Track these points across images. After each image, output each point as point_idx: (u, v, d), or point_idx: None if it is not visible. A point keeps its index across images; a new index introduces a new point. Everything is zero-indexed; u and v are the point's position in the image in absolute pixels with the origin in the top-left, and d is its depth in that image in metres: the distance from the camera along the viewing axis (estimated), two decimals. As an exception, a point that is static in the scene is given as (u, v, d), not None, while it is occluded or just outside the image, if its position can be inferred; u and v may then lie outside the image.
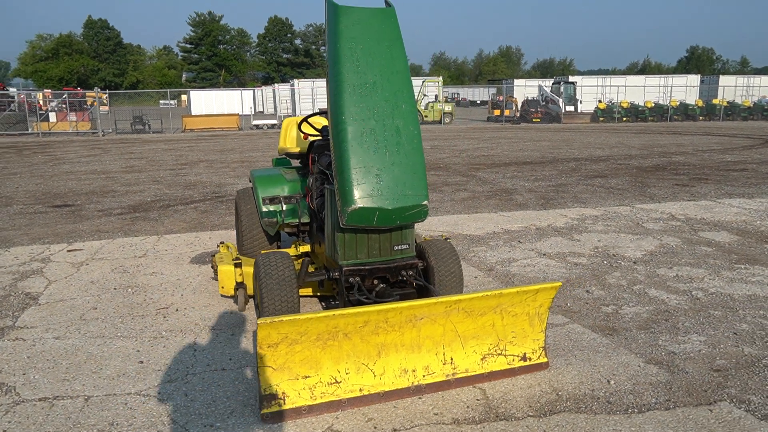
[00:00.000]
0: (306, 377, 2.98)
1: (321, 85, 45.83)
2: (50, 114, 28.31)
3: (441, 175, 11.95)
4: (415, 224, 3.78)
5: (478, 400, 3.10)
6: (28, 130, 26.86)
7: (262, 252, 4.02)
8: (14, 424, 2.89)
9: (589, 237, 6.53)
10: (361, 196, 3.33)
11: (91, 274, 5.33)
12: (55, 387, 3.26)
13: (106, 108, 47.58)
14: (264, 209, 4.80)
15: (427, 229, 6.94)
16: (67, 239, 6.77)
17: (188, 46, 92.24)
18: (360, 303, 3.54)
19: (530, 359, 3.40)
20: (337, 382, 3.03)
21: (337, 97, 3.41)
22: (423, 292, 3.88)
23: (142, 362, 3.55)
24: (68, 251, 6.18)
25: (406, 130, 3.47)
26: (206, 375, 3.38)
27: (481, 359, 3.31)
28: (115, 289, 4.92)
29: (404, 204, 3.40)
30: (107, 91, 46.86)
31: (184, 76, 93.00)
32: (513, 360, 3.37)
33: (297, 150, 5.34)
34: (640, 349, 3.69)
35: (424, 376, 3.18)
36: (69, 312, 4.39)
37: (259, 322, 2.74)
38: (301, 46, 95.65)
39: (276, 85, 57.73)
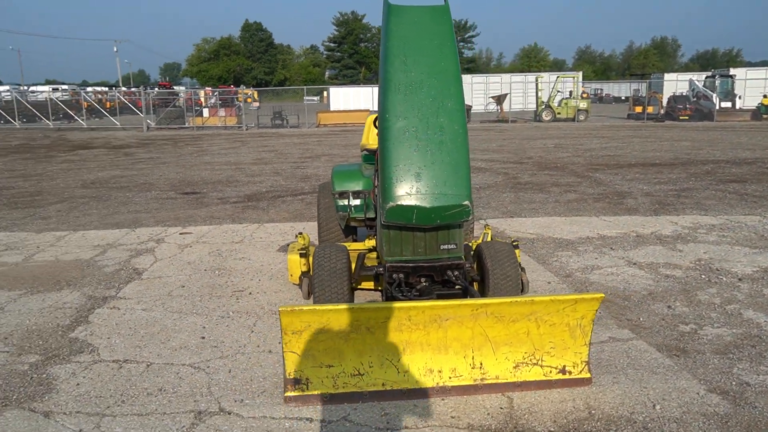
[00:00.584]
0: (330, 366, 3.10)
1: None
2: (204, 110, 31.37)
3: (554, 175, 11.44)
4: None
5: (501, 408, 3.01)
6: (185, 124, 29.98)
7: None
8: (87, 379, 3.35)
9: (694, 248, 5.92)
10: (399, 194, 3.37)
11: (190, 256, 5.91)
12: (128, 352, 3.70)
13: (257, 104, 51.64)
14: (338, 203, 5.00)
15: (516, 230, 6.74)
16: (183, 223, 7.54)
17: (332, 45, 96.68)
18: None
19: (570, 373, 3.22)
20: (360, 374, 3.11)
21: (383, 94, 3.48)
22: (480, 294, 3.82)
23: (203, 338, 3.90)
24: (180, 234, 6.89)
25: (451, 128, 3.44)
26: (253, 355, 3.64)
27: (514, 367, 3.20)
28: (205, 270, 5.42)
29: (444, 203, 3.38)
30: (253, 88, 50.66)
31: (327, 73, 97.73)
32: (550, 372, 3.21)
33: (375, 147, 5.46)
34: (707, 376, 3.32)
35: (450, 378, 3.16)
36: (161, 288, 4.93)
37: (280, 309, 2.90)
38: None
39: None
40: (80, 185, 11.10)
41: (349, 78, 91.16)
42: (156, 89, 43.64)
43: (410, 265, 3.67)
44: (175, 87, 57.78)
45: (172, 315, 4.31)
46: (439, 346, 3.14)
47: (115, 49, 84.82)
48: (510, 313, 3.08)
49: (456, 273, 3.70)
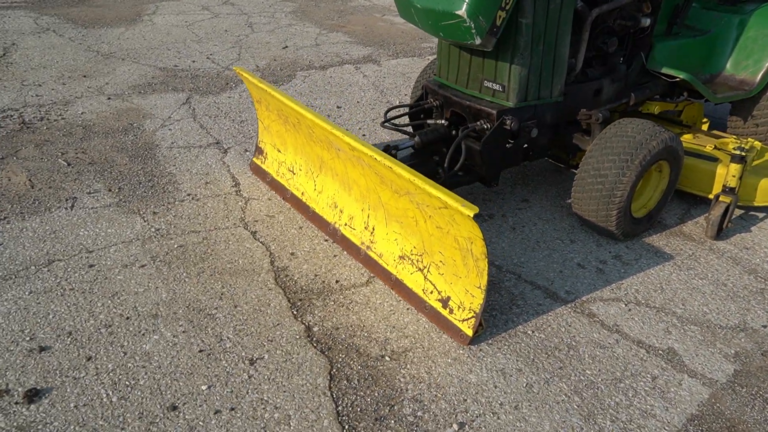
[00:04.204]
0: (279, 151, 2.95)
1: None
2: None
3: None
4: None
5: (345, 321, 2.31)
6: None
7: None
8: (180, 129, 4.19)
9: None
10: (406, -16, 2.47)
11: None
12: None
13: None
14: None
15: None
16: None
17: None
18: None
19: (451, 310, 2.07)
20: (293, 172, 2.86)
21: None
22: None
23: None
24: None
25: None
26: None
27: (399, 257, 2.27)
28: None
29: (435, 7, 2.30)
30: None
31: None
32: (431, 292, 2.14)
33: None
34: None
35: (345, 224, 2.53)
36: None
37: (234, 68, 2.87)
38: None
39: None
40: None
41: None
42: None
43: (441, 92, 2.74)
44: None
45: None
46: (344, 180, 2.49)
47: None
48: (387, 176, 2.11)
49: (486, 125, 2.57)
